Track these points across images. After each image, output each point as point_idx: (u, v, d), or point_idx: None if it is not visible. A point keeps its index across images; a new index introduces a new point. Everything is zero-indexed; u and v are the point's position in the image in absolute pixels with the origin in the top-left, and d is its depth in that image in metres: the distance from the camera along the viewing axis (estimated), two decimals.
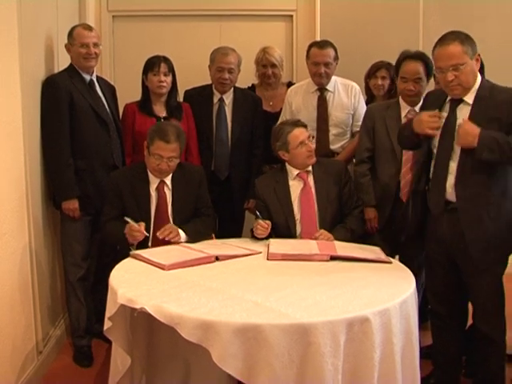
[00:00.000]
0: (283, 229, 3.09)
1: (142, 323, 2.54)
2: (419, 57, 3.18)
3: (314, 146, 3.16)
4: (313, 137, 3.19)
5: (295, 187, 3.15)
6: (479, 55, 2.59)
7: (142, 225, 2.84)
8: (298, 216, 3.11)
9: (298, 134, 3.12)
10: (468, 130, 2.53)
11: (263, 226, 3.00)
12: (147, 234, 2.74)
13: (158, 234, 2.88)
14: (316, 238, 2.96)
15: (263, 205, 3.17)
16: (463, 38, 2.55)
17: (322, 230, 3.01)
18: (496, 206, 2.61)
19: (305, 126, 3.18)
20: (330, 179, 3.15)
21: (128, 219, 2.83)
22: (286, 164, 3.19)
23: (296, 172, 3.16)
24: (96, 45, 3.38)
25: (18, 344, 2.89)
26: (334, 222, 3.10)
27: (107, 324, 2.30)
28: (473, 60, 2.56)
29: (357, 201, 3.21)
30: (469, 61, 2.54)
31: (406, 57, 3.20)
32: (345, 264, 2.61)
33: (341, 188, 3.16)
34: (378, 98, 3.83)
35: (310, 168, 3.16)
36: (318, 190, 3.13)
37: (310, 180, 3.16)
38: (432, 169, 2.75)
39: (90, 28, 3.42)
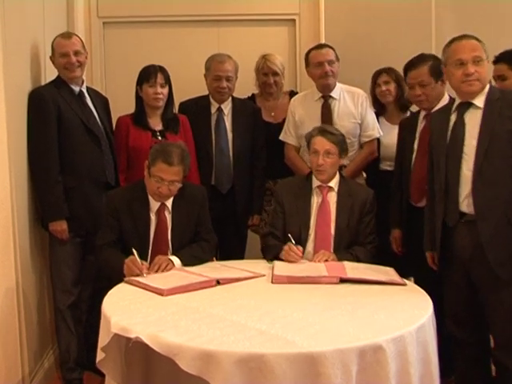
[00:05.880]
0: (295, 241, 3.07)
1: (138, 354, 2.52)
2: (421, 60, 3.24)
3: (327, 161, 3.12)
4: (329, 153, 3.15)
5: (315, 200, 3.18)
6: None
7: (145, 265, 2.81)
8: (312, 231, 3.12)
9: (317, 142, 3.16)
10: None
11: (297, 252, 2.98)
12: (145, 275, 2.72)
13: (145, 271, 2.79)
14: (318, 261, 2.96)
15: (280, 210, 3.19)
16: (479, 40, 2.69)
17: (323, 250, 3.02)
18: None
19: (333, 141, 3.14)
20: (355, 205, 3.15)
21: (135, 252, 2.80)
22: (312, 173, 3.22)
23: (316, 184, 3.18)
24: (78, 53, 3.38)
25: (1, 379, 2.86)
26: (349, 248, 3.11)
27: (100, 355, 2.29)
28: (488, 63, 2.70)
29: (374, 238, 3.19)
30: (485, 60, 2.68)
31: (407, 65, 3.30)
32: (355, 287, 2.60)
33: (362, 215, 3.15)
34: (389, 106, 3.86)
35: (333, 184, 3.18)
36: (340, 210, 3.14)
37: (331, 197, 3.17)
38: (437, 179, 2.79)
39: (68, 36, 3.43)
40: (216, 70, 3.75)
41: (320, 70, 3.69)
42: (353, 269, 2.80)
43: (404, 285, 2.64)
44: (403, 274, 2.81)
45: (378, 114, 3.88)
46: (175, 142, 3.21)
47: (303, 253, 3.02)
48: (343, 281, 2.65)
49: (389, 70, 3.83)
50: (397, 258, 3.37)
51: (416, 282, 2.78)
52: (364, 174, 3.84)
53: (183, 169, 2.99)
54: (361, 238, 3.15)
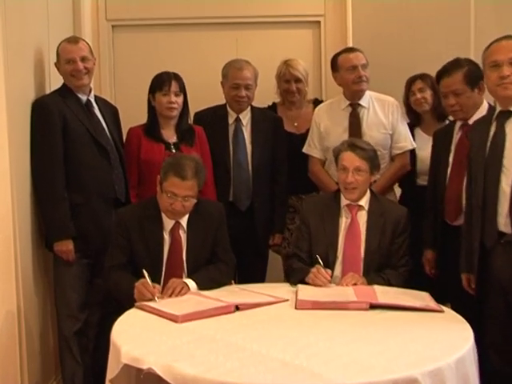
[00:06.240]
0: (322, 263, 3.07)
1: None
2: (455, 66, 3.22)
3: (357, 179, 3.10)
4: (360, 170, 3.13)
5: (344, 220, 3.17)
6: None
7: (157, 288, 2.80)
8: (340, 254, 3.12)
9: (346, 158, 3.14)
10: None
11: (325, 276, 2.97)
12: (157, 301, 2.72)
13: (158, 295, 2.79)
14: (346, 285, 2.94)
15: (306, 230, 3.19)
16: None
17: (351, 273, 3.01)
18: None
19: (364, 157, 3.13)
20: (387, 224, 3.14)
21: (146, 274, 2.81)
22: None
23: (345, 202, 3.18)
24: (85, 59, 3.42)
25: None
26: (380, 271, 3.09)
27: None
28: None
29: (407, 261, 3.17)
30: None
31: (440, 72, 3.28)
32: (387, 313, 2.59)
33: (395, 236, 3.14)
34: (425, 116, 3.85)
35: (363, 202, 3.17)
36: (370, 231, 3.13)
37: (361, 216, 3.16)
38: (474, 195, 2.78)
39: (75, 40, 3.47)
40: (234, 77, 3.78)
41: (354, 74, 3.69)
42: (384, 293, 2.79)
43: (441, 311, 2.62)
44: (439, 299, 2.78)
45: (413, 125, 3.88)
46: (188, 155, 3.23)
47: (331, 276, 3.01)
48: (373, 307, 2.64)
49: (423, 76, 3.81)
50: (432, 281, 3.35)
51: (453, 309, 2.76)
52: (396, 190, 3.83)
53: (197, 183, 3.00)
54: (393, 261, 3.13)
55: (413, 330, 2.40)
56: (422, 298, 2.75)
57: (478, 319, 2.66)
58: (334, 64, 3.80)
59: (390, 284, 3.01)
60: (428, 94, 3.80)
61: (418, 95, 3.81)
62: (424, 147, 3.72)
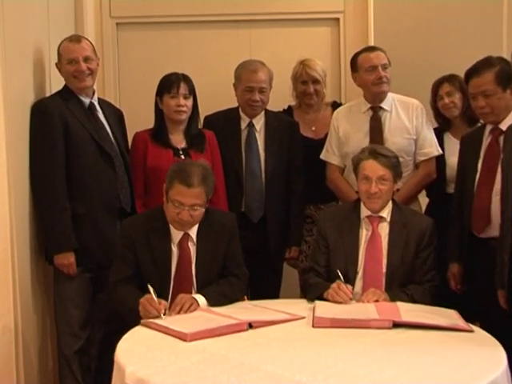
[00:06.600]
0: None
1: None
2: (485, 65, 3.19)
3: (381, 189, 3.10)
4: (384, 179, 3.14)
5: (364, 232, 3.19)
6: None
7: (163, 304, 2.81)
8: (360, 268, 3.13)
9: (368, 166, 3.15)
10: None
11: (346, 292, 2.97)
12: (163, 318, 2.74)
13: (163, 311, 2.81)
14: (367, 301, 2.95)
15: (323, 243, 3.21)
16: None
17: (373, 289, 3.01)
18: None
19: (387, 165, 3.13)
20: (411, 237, 3.14)
21: (151, 289, 2.82)
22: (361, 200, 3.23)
23: (365, 214, 3.19)
24: (88, 59, 3.45)
25: None
26: (403, 287, 3.10)
27: None
28: None
29: (433, 276, 3.17)
30: None
31: (469, 71, 3.27)
32: (411, 333, 2.58)
33: (419, 250, 3.15)
34: (455, 120, 3.86)
35: (385, 214, 3.18)
36: (393, 244, 3.14)
37: (382, 228, 3.17)
38: (506, 207, 2.78)
39: (78, 39, 3.50)
40: (248, 80, 3.80)
41: (373, 75, 3.71)
42: (408, 311, 2.79)
43: (470, 331, 2.61)
44: (468, 317, 2.77)
45: (441, 130, 3.89)
46: (195, 161, 3.24)
47: (352, 293, 3.01)
48: (397, 325, 2.63)
49: (451, 78, 3.81)
50: (459, 298, 3.35)
51: (483, 328, 2.74)
52: (421, 200, 3.83)
53: (205, 190, 2.99)
54: (417, 276, 3.14)
55: (439, 351, 2.39)
56: (450, 316, 2.75)
57: (509, 340, 2.65)
58: (354, 64, 3.81)
59: (414, 301, 3.01)
60: (456, 97, 3.80)
61: (446, 100, 3.81)
62: (454, 153, 3.69)
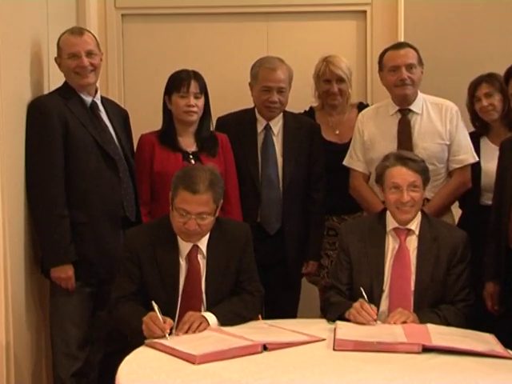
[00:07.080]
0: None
1: None
2: None
3: (414, 197, 3.10)
4: (415, 186, 3.13)
5: (391, 246, 3.19)
6: None
7: (168, 322, 2.80)
8: (387, 286, 3.13)
9: (396, 174, 3.14)
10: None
11: (370, 312, 2.97)
12: (168, 338, 2.74)
13: (168, 330, 2.80)
14: (394, 322, 2.94)
15: (345, 259, 3.21)
16: None
17: (400, 309, 3.00)
18: None
19: (417, 170, 3.13)
20: (443, 252, 3.14)
21: (156, 307, 2.82)
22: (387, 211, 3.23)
23: (392, 226, 3.19)
24: (91, 53, 3.46)
25: None
26: (434, 307, 3.09)
27: None
28: None
29: (468, 294, 3.17)
30: None
31: (509, 71, 3.26)
32: (443, 358, 2.57)
33: (451, 266, 3.14)
34: (494, 124, 3.85)
35: (414, 226, 3.18)
36: (422, 260, 3.13)
37: (411, 242, 3.17)
38: None
39: (80, 32, 3.50)
40: (265, 79, 3.80)
41: (395, 76, 3.70)
42: (439, 334, 2.78)
43: (509, 358, 2.59)
44: (506, 342, 2.76)
45: (478, 135, 3.88)
46: (203, 165, 3.25)
47: (377, 314, 3.01)
48: (427, 350, 2.62)
49: (490, 78, 3.80)
50: (496, 320, 3.33)
51: None
52: (454, 211, 3.82)
53: (213, 197, 2.98)
54: (450, 295, 3.13)
55: (474, 379, 2.38)
56: (486, 341, 2.74)
57: None
58: (380, 63, 3.81)
59: (446, 322, 3.01)
60: (496, 99, 3.79)
61: (485, 102, 3.80)
62: (490, 159, 3.71)
